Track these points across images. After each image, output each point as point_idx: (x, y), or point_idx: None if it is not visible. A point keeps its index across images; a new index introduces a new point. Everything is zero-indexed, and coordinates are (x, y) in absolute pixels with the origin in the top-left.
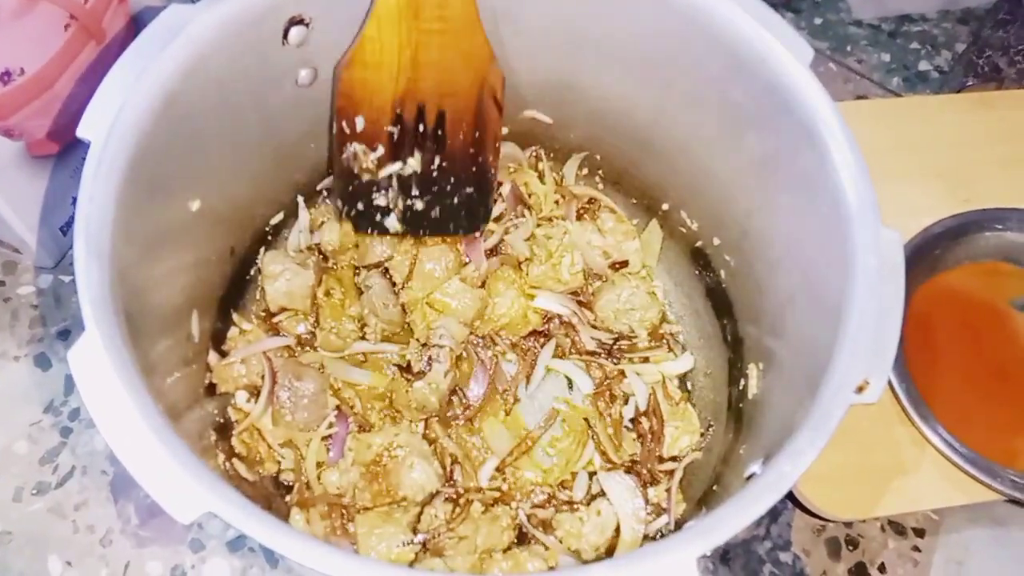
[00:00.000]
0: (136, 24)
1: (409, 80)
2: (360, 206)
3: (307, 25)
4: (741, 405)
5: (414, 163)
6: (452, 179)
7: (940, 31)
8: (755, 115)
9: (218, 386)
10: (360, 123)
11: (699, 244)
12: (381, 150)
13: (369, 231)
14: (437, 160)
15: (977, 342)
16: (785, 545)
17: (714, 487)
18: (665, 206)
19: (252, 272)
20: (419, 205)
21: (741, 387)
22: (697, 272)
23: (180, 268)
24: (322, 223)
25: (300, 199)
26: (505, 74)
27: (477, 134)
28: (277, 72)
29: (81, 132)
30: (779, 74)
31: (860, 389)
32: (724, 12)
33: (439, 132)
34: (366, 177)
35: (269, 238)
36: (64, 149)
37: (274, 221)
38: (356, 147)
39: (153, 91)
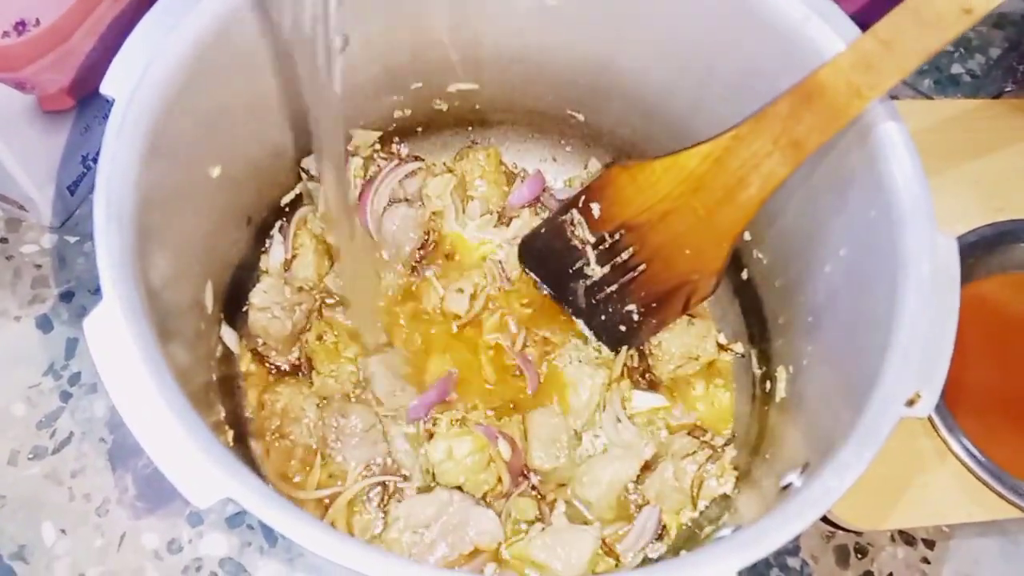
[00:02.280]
0: None
1: (646, 223)
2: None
3: None
4: (766, 408)
5: (598, 271)
6: (613, 308)
7: (974, 34)
8: None
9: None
10: (596, 210)
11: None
12: (592, 238)
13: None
14: (609, 289)
15: (1006, 355)
16: (793, 550)
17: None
18: None
19: (267, 244)
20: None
21: (767, 390)
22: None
23: (198, 235)
24: (294, 256)
25: (278, 225)
26: (539, 50)
27: (652, 306)
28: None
29: (105, 88)
30: None
31: (911, 403)
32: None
33: (630, 278)
34: (568, 243)
35: (287, 210)
36: (76, 106)
37: (295, 192)
38: (578, 218)
39: (181, 50)
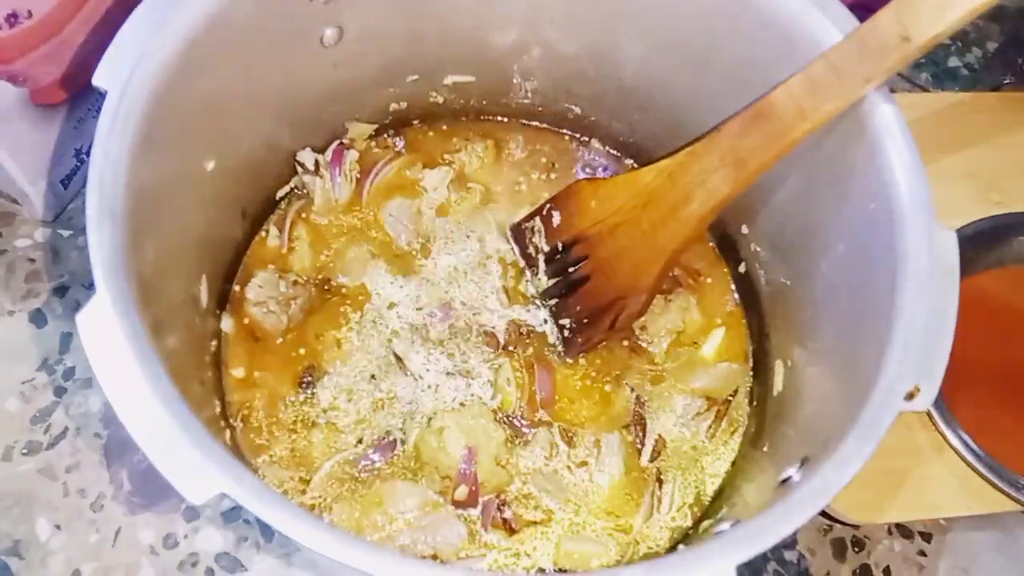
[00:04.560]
0: None
1: (597, 235)
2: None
3: None
4: (765, 402)
5: (544, 282)
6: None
7: (971, 27)
8: None
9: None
10: (556, 219)
11: (728, 231)
12: (546, 247)
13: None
14: (551, 302)
15: (1004, 349)
16: (791, 543)
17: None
18: None
19: (262, 235)
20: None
21: (764, 383)
22: (724, 258)
23: (192, 229)
24: (291, 249)
25: (273, 218)
26: (535, 43)
27: (584, 321)
28: (302, 29)
29: (97, 81)
30: None
31: (910, 396)
32: None
33: (572, 291)
34: (525, 249)
35: (281, 202)
36: (68, 99)
37: (290, 184)
38: (539, 226)
39: (174, 42)
